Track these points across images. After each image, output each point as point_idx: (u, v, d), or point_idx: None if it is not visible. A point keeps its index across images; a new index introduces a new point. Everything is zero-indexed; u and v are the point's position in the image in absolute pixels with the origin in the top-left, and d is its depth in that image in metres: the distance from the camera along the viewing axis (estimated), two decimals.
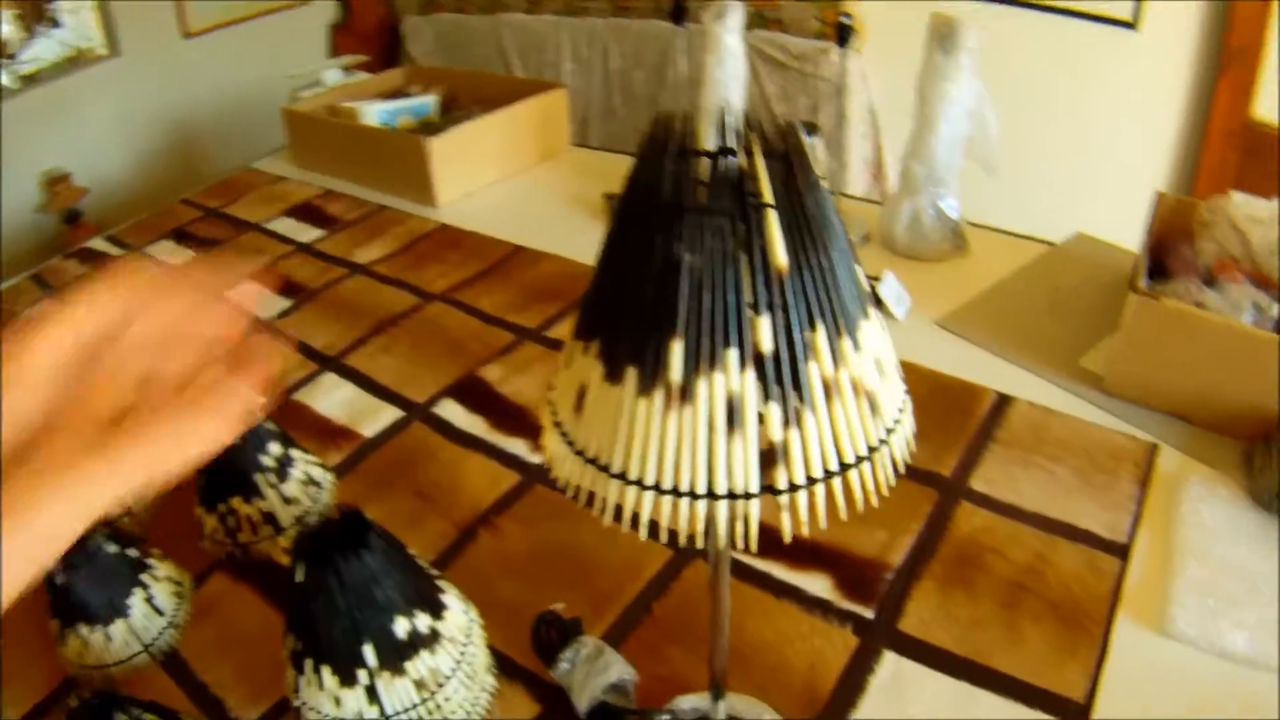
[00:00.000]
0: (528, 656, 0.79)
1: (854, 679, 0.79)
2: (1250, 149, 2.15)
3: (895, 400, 0.48)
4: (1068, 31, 2.31)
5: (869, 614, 0.84)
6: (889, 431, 0.47)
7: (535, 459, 1.03)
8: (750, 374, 0.42)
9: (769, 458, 0.44)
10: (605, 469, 0.46)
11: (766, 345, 0.42)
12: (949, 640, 0.82)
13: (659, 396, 0.43)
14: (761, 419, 0.43)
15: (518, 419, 1.09)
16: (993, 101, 1.32)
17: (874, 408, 0.46)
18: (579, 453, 0.47)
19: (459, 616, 0.72)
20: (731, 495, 0.44)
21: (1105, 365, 1.10)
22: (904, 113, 1.40)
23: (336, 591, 0.62)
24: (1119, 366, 1.06)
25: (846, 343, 0.44)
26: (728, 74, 1.54)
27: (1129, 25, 2.22)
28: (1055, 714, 0.76)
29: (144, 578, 0.81)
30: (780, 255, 0.42)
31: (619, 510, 0.46)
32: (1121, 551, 0.89)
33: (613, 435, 0.45)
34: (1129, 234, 2.40)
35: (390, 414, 1.11)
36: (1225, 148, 2.20)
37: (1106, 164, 2.43)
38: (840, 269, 0.44)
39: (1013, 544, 0.91)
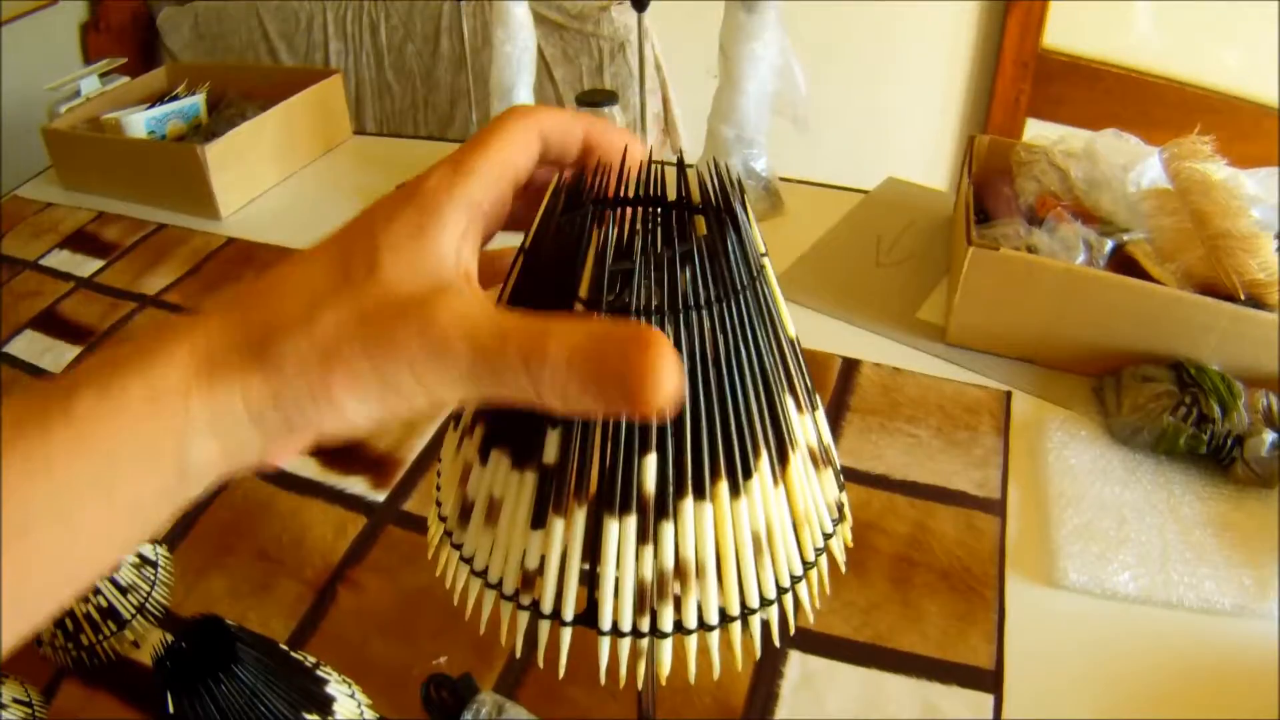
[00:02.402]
0: None
1: (765, 687, 0.76)
2: (1042, 77, 2.22)
3: None
4: None
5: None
6: None
7: (378, 497, 0.95)
8: None
9: None
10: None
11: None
12: (849, 629, 0.79)
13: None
14: None
15: (349, 453, 1.00)
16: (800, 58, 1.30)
17: None
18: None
19: (347, 703, 0.65)
20: None
21: (945, 316, 1.10)
22: (687, 65, 1.36)
23: (215, 718, 0.55)
24: (959, 318, 1.06)
25: None
26: (519, 47, 1.47)
27: None
28: (969, 685, 0.75)
29: None
30: None
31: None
32: (997, 508, 0.89)
33: None
34: (935, 172, 2.48)
35: None
36: (1018, 79, 2.27)
37: (903, 105, 2.48)
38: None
39: (891, 516, 0.89)
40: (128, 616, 0.79)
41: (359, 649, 0.80)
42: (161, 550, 0.86)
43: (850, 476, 0.94)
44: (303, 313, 0.30)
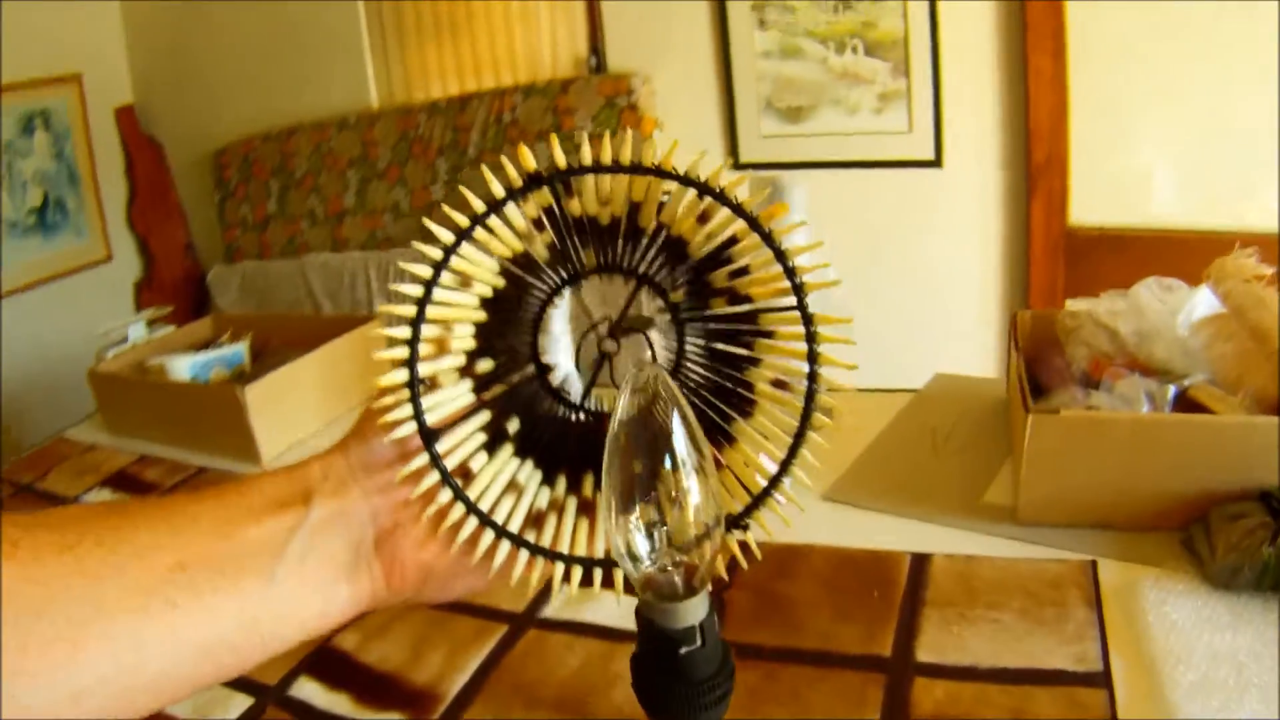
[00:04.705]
0: None
1: None
2: (1073, 255, 2.24)
3: None
4: (878, 181, 2.41)
5: None
6: None
7: None
8: None
9: None
10: None
11: None
12: None
13: None
14: None
15: (387, 690, 0.93)
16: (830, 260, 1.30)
17: None
18: None
19: None
20: None
21: (1012, 496, 1.05)
22: None
23: None
24: (1028, 492, 1.01)
25: None
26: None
27: (933, 164, 2.34)
28: None
29: None
30: None
31: None
32: (1101, 680, 0.81)
33: None
34: (982, 362, 2.48)
35: (240, 702, 0.93)
36: (1051, 260, 2.29)
37: (943, 300, 2.50)
38: None
39: (983, 707, 0.81)
40: None
41: None
42: None
43: (934, 672, 0.86)
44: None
